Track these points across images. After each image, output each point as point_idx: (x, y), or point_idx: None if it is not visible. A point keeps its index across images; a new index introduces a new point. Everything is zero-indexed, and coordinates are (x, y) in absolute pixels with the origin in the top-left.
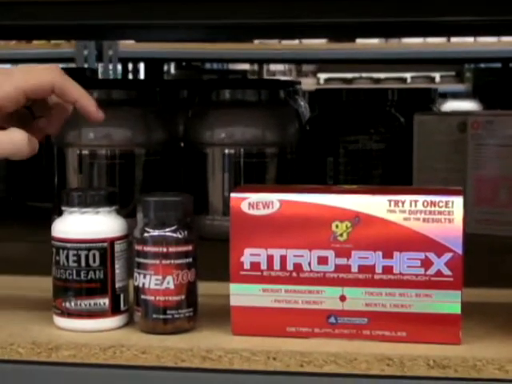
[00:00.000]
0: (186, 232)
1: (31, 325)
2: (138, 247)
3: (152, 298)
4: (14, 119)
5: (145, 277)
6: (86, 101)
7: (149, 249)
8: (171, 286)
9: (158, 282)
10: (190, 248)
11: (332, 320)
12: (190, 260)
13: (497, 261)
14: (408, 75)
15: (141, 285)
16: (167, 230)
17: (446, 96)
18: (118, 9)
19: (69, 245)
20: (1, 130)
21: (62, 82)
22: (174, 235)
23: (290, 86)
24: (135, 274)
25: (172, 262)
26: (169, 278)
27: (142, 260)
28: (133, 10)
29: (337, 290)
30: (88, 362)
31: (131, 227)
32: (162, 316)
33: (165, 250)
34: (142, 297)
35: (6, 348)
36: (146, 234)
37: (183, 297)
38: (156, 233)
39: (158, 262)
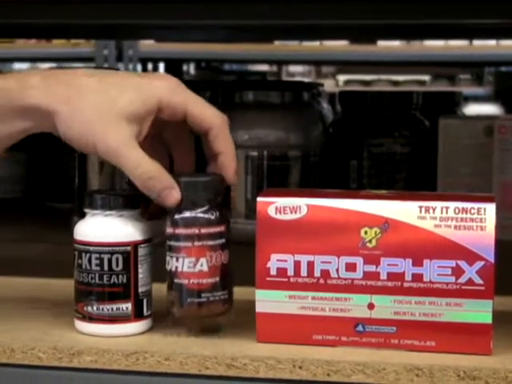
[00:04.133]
0: (217, 212)
1: (52, 329)
2: (169, 230)
3: (186, 281)
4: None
5: (177, 260)
6: (231, 158)
7: (180, 231)
8: (205, 268)
9: (191, 265)
10: (222, 229)
11: (359, 328)
12: (223, 241)
13: None
14: (427, 77)
15: (173, 268)
16: (198, 210)
17: (465, 99)
18: (139, 9)
19: (91, 248)
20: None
21: (226, 131)
22: (206, 216)
23: (314, 87)
24: (167, 258)
25: (204, 243)
26: (202, 260)
27: (173, 243)
28: (154, 10)
29: (365, 298)
30: (110, 368)
31: (154, 229)
32: (196, 299)
33: (197, 231)
34: (176, 280)
35: (27, 353)
36: (176, 216)
37: (217, 279)
38: (187, 214)
39: (190, 244)
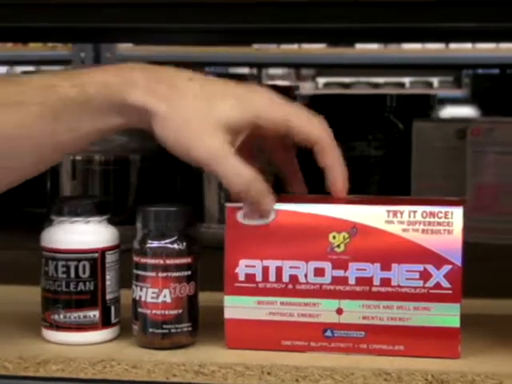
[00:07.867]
0: (185, 243)
1: (18, 338)
2: (136, 258)
3: (149, 311)
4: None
5: (141, 289)
6: (337, 173)
7: (146, 260)
8: (168, 300)
9: (154, 295)
10: (189, 260)
11: (328, 333)
12: (189, 273)
13: (496, 270)
14: (406, 80)
15: (138, 297)
16: (167, 241)
17: (444, 101)
18: (118, 12)
19: (58, 255)
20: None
21: (331, 144)
22: (172, 246)
23: (290, 91)
24: (133, 286)
25: (169, 274)
26: (166, 291)
27: (139, 272)
28: (132, 13)
29: (333, 303)
30: (77, 376)
31: (126, 235)
32: (159, 330)
33: (162, 261)
34: (139, 310)
35: None
36: (144, 245)
37: (181, 311)
38: (155, 244)
39: (154, 274)
